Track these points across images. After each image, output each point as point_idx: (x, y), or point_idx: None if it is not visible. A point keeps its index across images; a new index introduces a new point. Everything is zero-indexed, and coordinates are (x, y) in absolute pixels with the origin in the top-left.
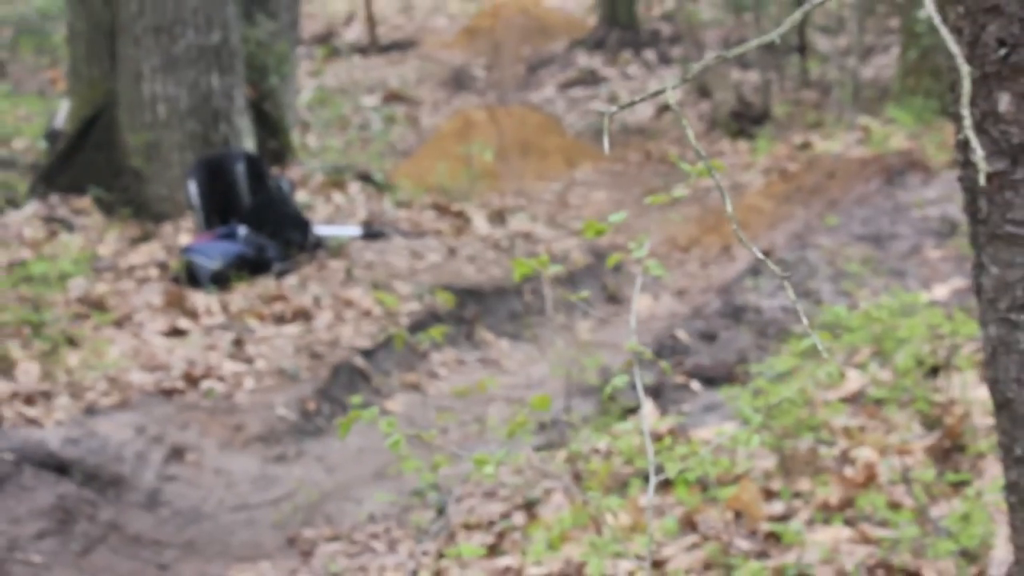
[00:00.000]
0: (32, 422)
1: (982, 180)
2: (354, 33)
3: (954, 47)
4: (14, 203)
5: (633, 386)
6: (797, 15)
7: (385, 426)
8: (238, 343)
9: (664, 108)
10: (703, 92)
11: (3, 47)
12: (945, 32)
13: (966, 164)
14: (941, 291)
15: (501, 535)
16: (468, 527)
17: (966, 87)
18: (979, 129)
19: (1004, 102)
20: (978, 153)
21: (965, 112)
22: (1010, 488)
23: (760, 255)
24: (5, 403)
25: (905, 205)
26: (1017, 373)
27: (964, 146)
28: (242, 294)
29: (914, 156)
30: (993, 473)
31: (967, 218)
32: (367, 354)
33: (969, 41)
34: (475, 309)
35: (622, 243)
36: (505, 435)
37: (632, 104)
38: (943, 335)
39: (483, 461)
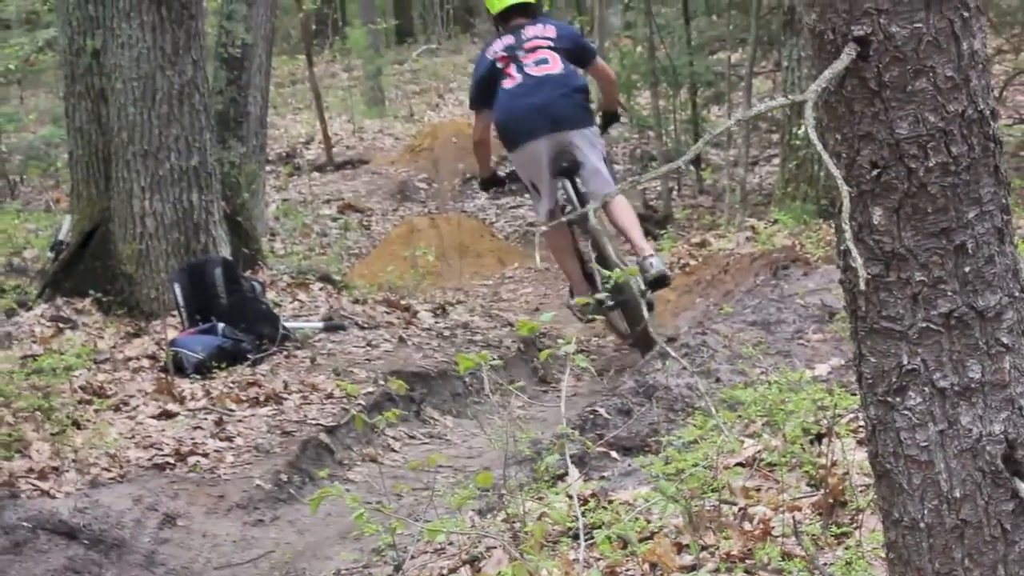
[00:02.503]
0: (45, 494)
1: (861, 284)
2: (313, 153)
3: (834, 169)
4: (25, 305)
5: (562, 454)
6: (699, 145)
7: (350, 501)
8: (219, 423)
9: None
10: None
11: (14, 171)
12: (826, 157)
13: (847, 269)
14: (822, 369)
15: None
16: None
17: (846, 204)
18: (857, 239)
19: (877, 215)
20: (857, 261)
21: (845, 226)
22: (889, 546)
23: (668, 350)
24: (21, 478)
25: (789, 295)
26: (894, 448)
27: (845, 254)
28: (222, 381)
29: (796, 252)
30: (871, 525)
31: (848, 315)
32: (331, 431)
33: (846, 163)
34: (423, 391)
35: (549, 331)
36: (452, 504)
37: (557, 223)
38: (825, 407)
39: (435, 531)
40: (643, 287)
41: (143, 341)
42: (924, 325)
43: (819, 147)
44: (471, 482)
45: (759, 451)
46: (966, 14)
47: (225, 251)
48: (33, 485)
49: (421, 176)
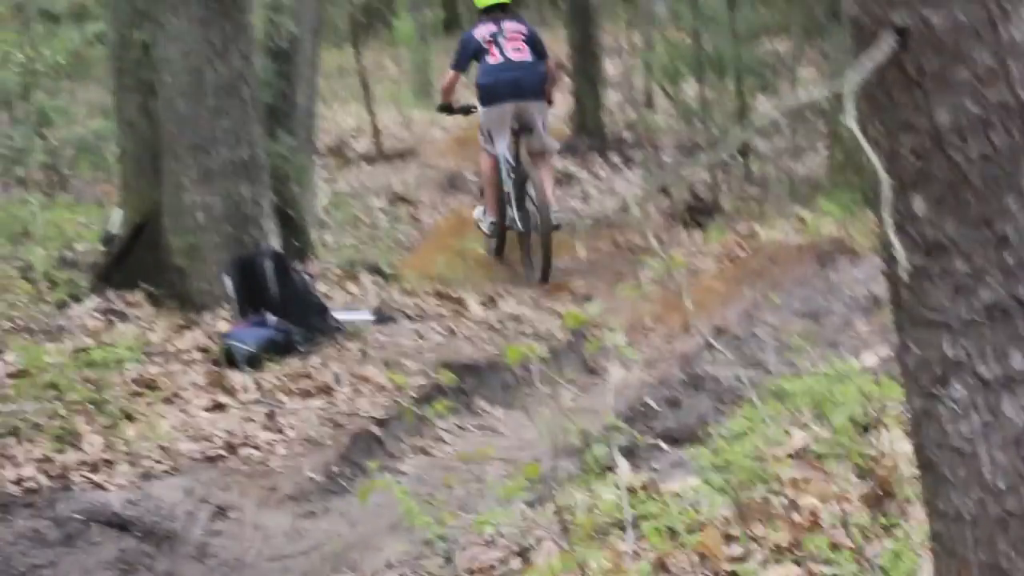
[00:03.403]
0: (97, 486)
1: (903, 275)
2: (363, 145)
3: (875, 159)
4: (77, 298)
5: (610, 447)
6: (738, 136)
7: (399, 493)
8: (271, 415)
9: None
10: (662, 189)
11: (65, 165)
12: (867, 146)
13: (889, 260)
14: (870, 359)
15: None
16: (472, 572)
17: (887, 194)
18: (899, 229)
19: (919, 205)
20: (899, 251)
21: (887, 216)
22: (934, 537)
23: (713, 342)
24: (74, 470)
25: (837, 284)
26: (938, 439)
27: (887, 245)
28: (273, 373)
29: (843, 242)
30: (918, 516)
31: (891, 306)
32: (381, 423)
33: (887, 153)
34: (473, 382)
35: (598, 320)
36: (502, 495)
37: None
38: (873, 397)
39: (483, 521)
40: (546, 229)
41: (194, 333)
42: (967, 316)
43: (860, 137)
44: (521, 473)
45: (807, 441)
46: (1005, 3)
47: (275, 243)
48: (85, 477)
49: (469, 167)
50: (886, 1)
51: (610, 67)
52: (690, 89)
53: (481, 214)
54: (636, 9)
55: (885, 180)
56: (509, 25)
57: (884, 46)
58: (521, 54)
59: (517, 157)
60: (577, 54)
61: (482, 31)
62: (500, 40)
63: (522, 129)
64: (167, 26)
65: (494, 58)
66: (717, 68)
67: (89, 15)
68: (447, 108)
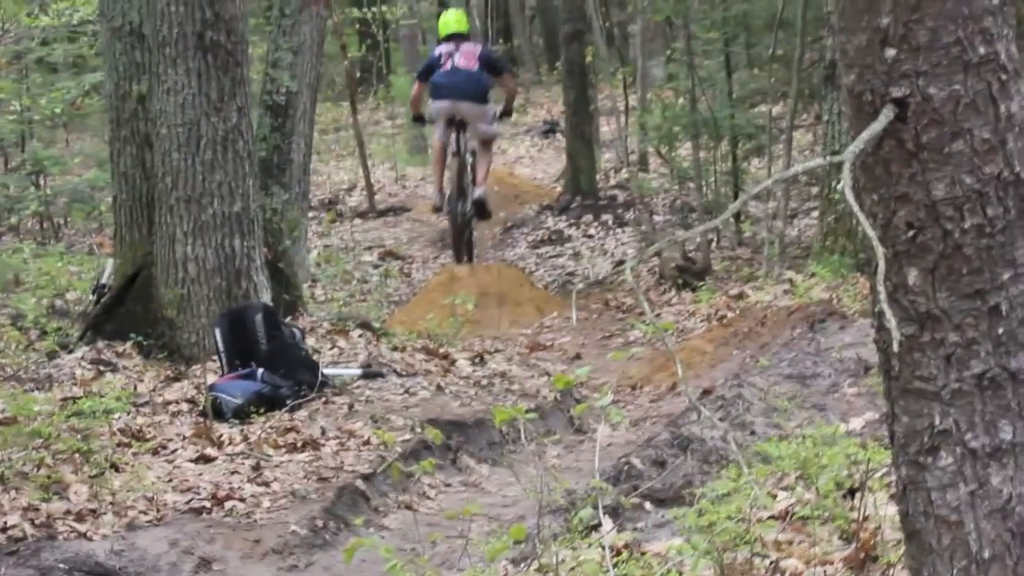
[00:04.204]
0: (82, 536)
1: (895, 346)
2: (355, 200)
3: (870, 230)
4: (67, 347)
5: (596, 507)
6: (737, 203)
7: (384, 551)
8: (257, 468)
9: (620, 263)
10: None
11: (58, 214)
12: (862, 217)
13: (881, 329)
14: (857, 423)
15: None
16: None
17: (881, 265)
18: (892, 299)
19: (912, 276)
20: (891, 322)
21: (880, 287)
22: None
23: (701, 407)
24: (59, 519)
25: (825, 348)
26: (924, 507)
27: (879, 315)
28: (260, 426)
29: (833, 305)
30: None
31: (881, 374)
32: (367, 478)
33: (883, 224)
34: (459, 438)
35: (586, 380)
36: (487, 555)
37: (600, 280)
38: (859, 461)
39: None
40: (468, 207)
41: (182, 385)
42: (957, 386)
43: (855, 208)
44: (505, 533)
45: (792, 504)
46: (1004, 77)
47: (266, 297)
48: (70, 527)
49: None
50: (885, 72)
51: (604, 127)
52: (684, 151)
53: (436, 196)
54: (632, 69)
55: (879, 250)
56: (466, 46)
57: (882, 118)
58: (468, 65)
59: (458, 145)
60: (572, 114)
61: (443, 48)
62: (455, 55)
63: (460, 124)
64: (164, 78)
65: (445, 67)
66: (712, 130)
67: (87, 66)
68: (419, 119)
